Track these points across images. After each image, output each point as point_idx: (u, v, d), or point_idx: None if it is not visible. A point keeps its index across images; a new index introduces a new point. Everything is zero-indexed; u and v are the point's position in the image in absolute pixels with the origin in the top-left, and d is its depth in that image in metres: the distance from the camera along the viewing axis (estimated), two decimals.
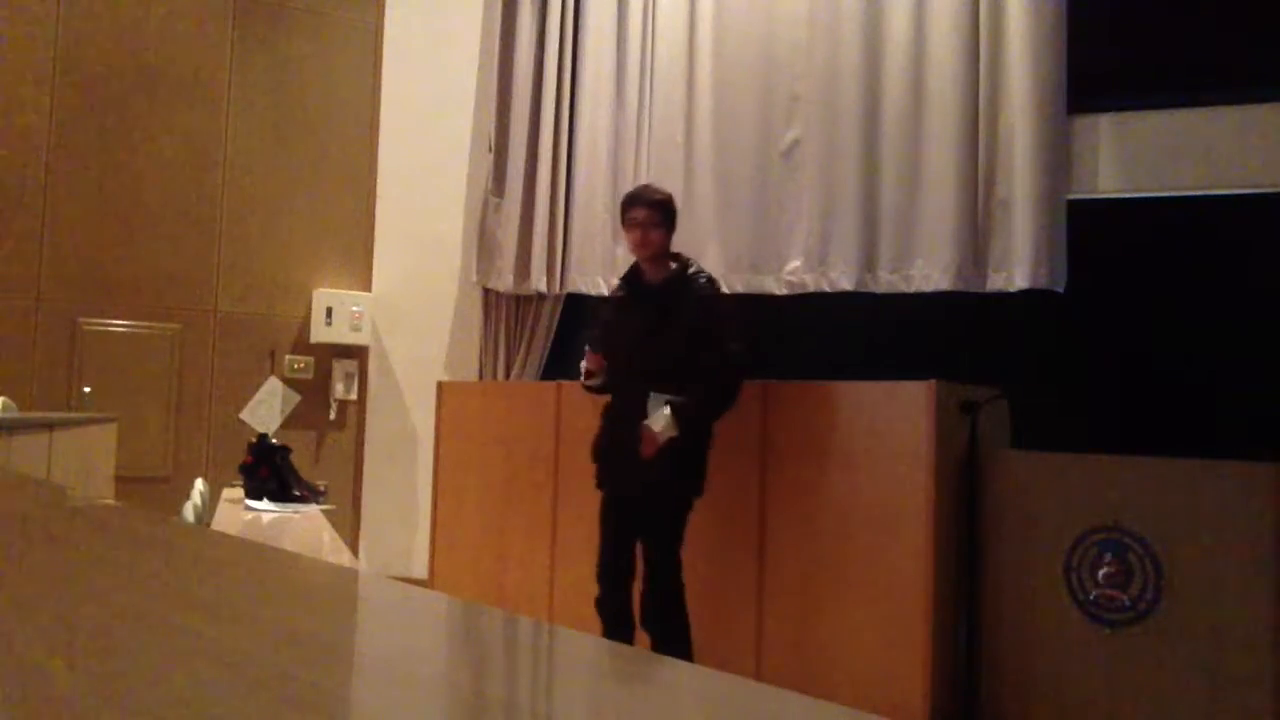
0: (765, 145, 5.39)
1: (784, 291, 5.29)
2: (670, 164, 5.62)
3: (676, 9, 5.66)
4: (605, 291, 5.38)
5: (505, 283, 5.86)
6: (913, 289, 4.99)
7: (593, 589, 3.60)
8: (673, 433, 3.31)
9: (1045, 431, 4.11)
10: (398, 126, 6.15)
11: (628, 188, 5.72)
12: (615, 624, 3.47)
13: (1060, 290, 4.72)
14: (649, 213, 3.52)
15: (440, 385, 5.19)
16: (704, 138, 5.54)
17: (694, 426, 3.38)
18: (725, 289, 3.98)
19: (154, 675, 0.45)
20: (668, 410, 3.30)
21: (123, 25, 5.64)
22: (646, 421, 3.30)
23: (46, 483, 2.74)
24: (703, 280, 3.53)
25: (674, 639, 3.42)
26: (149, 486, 5.48)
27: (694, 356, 3.38)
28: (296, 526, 3.58)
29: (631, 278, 3.61)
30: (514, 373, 5.85)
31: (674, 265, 3.55)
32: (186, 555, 0.88)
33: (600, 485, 3.62)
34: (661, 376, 3.36)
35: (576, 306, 5.86)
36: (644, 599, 3.48)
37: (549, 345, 5.86)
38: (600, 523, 3.61)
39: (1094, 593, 3.36)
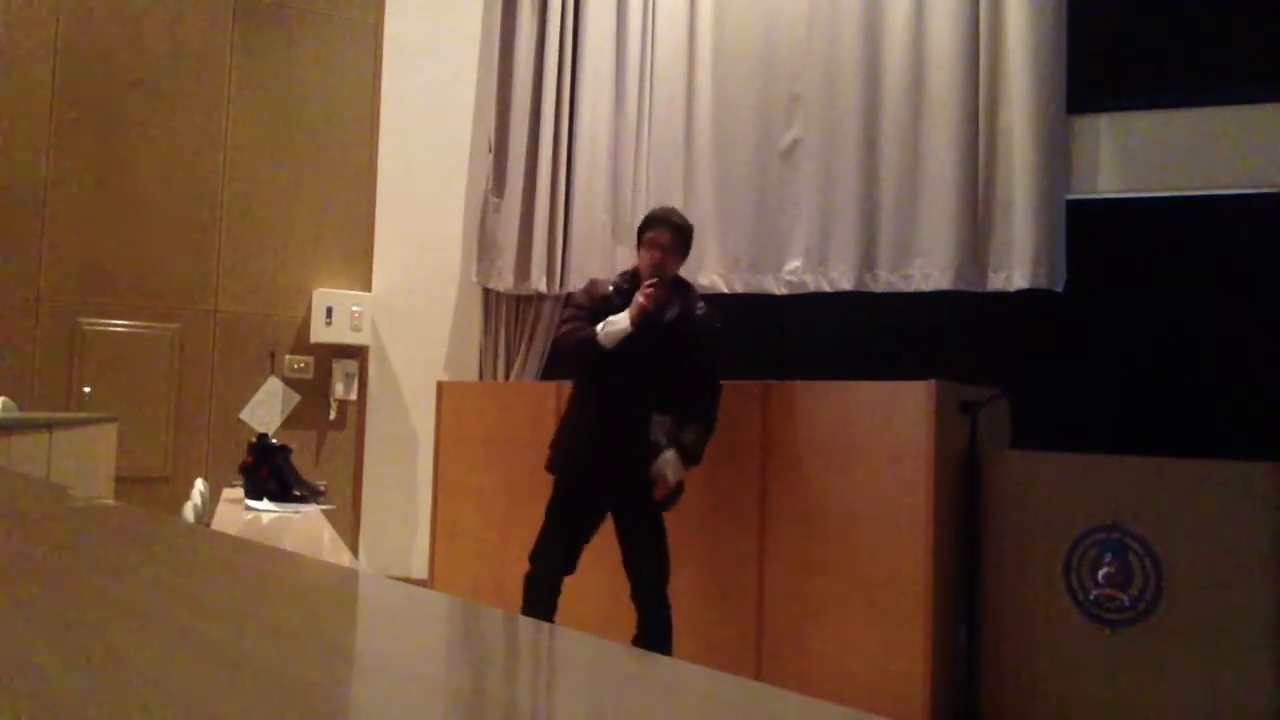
0: (765, 145, 5.39)
1: (784, 291, 5.29)
2: (670, 164, 5.63)
3: (676, 9, 5.66)
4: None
5: (505, 283, 5.87)
6: (912, 289, 4.99)
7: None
8: (682, 475, 3.47)
9: (1045, 431, 4.11)
10: (398, 126, 6.15)
11: (628, 188, 5.76)
12: (548, 602, 3.48)
13: (1059, 290, 4.73)
14: (673, 237, 3.53)
15: (440, 385, 5.19)
16: (704, 138, 5.54)
17: (693, 464, 3.53)
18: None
19: (154, 675, 0.45)
20: (672, 454, 3.43)
21: (123, 25, 5.64)
22: (660, 468, 3.41)
23: (46, 483, 2.73)
24: (703, 313, 3.59)
25: (664, 642, 3.50)
26: (149, 486, 5.48)
27: (683, 381, 3.52)
28: (296, 526, 3.58)
29: (630, 287, 3.55)
30: (514, 373, 5.85)
31: (675, 291, 3.56)
32: (186, 555, 0.88)
33: (572, 486, 3.59)
34: (662, 401, 3.49)
35: None
36: (647, 608, 3.49)
37: (549, 345, 5.86)
38: (557, 516, 3.57)
39: (1094, 593, 3.36)
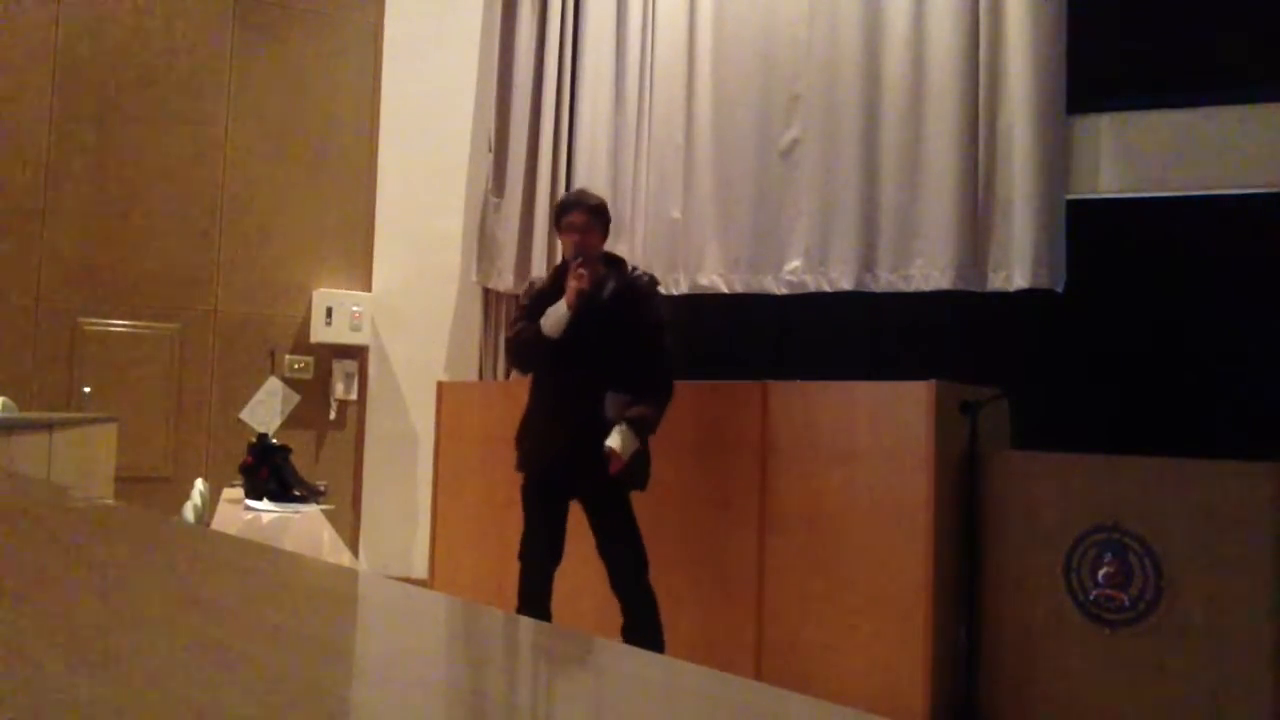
0: (765, 145, 5.39)
1: (784, 291, 5.29)
2: (670, 164, 5.63)
3: (676, 9, 5.66)
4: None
5: (505, 283, 5.87)
6: (912, 288, 4.99)
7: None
8: (634, 447, 3.42)
9: (1045, 431, 4.11)
10: (398, 126, 6.15)
11: (628, 188, 5.76)
12: (543, 598, 3.47)
13: (1059, 290, 4.73)
14: (587, 218, 3.57)
15: (440, 385, 5.19)
16: (704, 138, 5.54)
17: (649, 434, 3.50)
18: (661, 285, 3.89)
19: (154, 675, 0.45)
20: (624, 427, 3.40)
21: (123, 25, 5.64)
22: (609, 444, 3.37)
23: (46, 483, 2.74)
24: (644, 280, 3.65)
25: (653, 631, 3.47)
26: (149, 486, 5.48)
27: (637, 353, 3.50)
28: (296, 526, 3.58)
29: (563, 276, 3.60)
30: (514, 373, 5.85)
31: (608, 267, 3.59)
32: (186, 555, 0.88)
33: (529, 470, 3.61)
34: (614, 377, 3.47)
35: None
36: (628, 596, 3.48)
37: None
38: (531, 506, 3.58)
39: (1094, 593, 3.36)
